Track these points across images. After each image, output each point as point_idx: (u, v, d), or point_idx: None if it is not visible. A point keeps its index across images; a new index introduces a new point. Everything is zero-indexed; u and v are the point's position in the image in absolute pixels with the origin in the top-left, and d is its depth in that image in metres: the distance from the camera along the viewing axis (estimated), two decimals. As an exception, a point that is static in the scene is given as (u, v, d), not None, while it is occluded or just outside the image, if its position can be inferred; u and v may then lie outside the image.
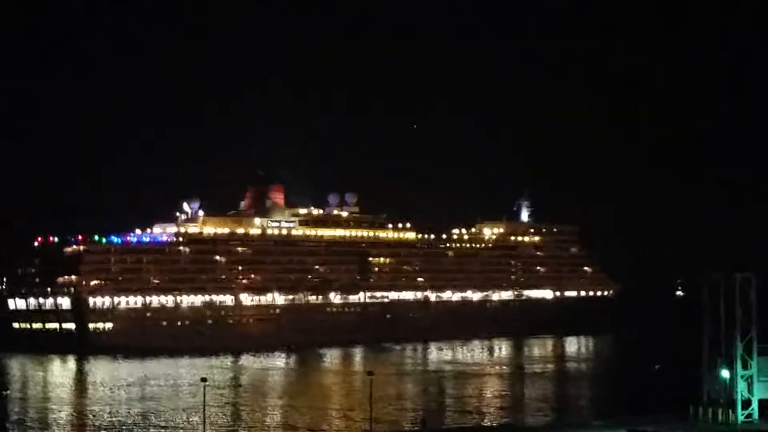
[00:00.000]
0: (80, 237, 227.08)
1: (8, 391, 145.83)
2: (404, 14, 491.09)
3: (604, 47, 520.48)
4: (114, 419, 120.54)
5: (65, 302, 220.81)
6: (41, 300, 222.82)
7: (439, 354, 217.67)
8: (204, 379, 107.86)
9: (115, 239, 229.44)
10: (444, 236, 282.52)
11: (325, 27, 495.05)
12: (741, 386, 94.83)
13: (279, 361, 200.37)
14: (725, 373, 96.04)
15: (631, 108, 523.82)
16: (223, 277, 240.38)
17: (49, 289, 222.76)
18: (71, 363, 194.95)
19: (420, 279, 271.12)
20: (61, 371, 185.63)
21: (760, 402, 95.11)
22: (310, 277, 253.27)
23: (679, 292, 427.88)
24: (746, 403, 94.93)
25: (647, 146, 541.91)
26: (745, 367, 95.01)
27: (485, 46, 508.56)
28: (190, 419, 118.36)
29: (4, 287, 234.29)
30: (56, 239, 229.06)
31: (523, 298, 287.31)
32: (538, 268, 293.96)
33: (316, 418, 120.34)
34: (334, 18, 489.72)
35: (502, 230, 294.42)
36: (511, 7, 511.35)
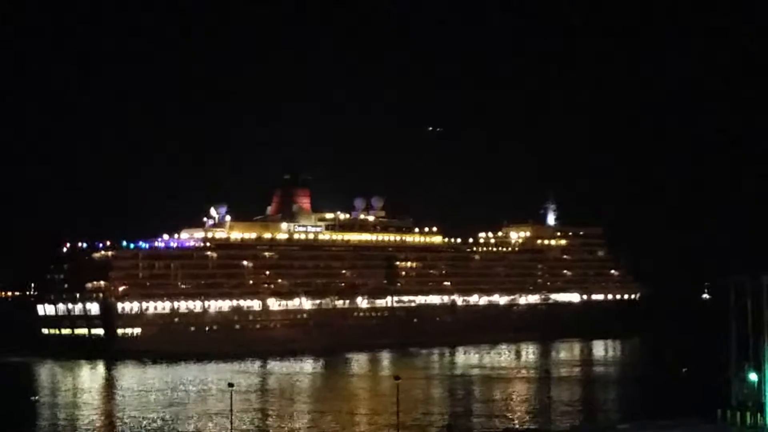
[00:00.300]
0: (108, 243, 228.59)
1: (38, 397, 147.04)
2: (433, 20, 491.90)
3: (625, 47, 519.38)
4: (142, 424, 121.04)
5: (94, 308, 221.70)
6: (70, 306, 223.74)
7: (465, 358, 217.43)
8: (231, 385, 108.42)
9: (143, 245, 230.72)
10: (470, 240, 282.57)
11: (352, 31, 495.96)
12: None
13: (306, 365, 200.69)
14: (753, 377, 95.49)
15: (659, 109, 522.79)
16: (251, 282, 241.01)
17: (77, 295, 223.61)
18: (100, 368, 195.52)
19: (446, 283, 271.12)
20: (90, 376, 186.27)
21: None
22: (337, 281, 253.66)
23: (705, 295, 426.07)
24: None
25: (674, 148, 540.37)
26: None
27: (510, 48, 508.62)
28: (217, 425, 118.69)
29: (32, 293, 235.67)
30: (84, 245, 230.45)
31: (550, 301, 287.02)
32: (565, 271, 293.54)
33: (343, 423, 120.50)
34: (361, 21, 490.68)
35: (528, 234, 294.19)
36: (531, 9, 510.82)
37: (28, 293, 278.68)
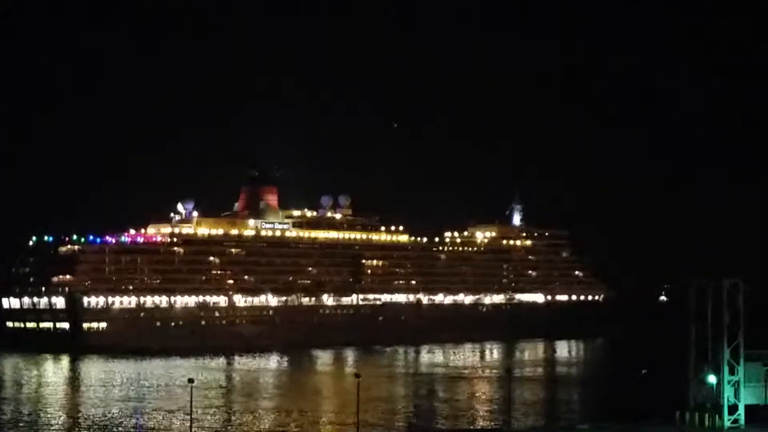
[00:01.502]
0: (75, 236, 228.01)
1: None
2: (401, 17, 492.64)
3: (593, 48, 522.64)
4: (105, 420, 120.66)
5: (60, 302, 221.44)
6: (35, 299, 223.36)
7: (430, 357, 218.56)
8: (191, 380, 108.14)
9: (109, 239, 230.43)
10: (437, 239, 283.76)
11: (321, 28, 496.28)
12: (728, 391, 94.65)
13: (271, 362, 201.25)
14: (712, 379, 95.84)
15: (622, 113, 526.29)
16: (217, 278, 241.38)
17: (43, 289, 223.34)
18: (65, 362, 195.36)
19: (412, 282, 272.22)
20: (54, 371, 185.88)
21: (747, 407, 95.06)
22: (303, 278, 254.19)
23: (662, 297, 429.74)
24: (733, 409, 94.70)
25: (638, 150, 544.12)
26: (731, 372, 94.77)
27: (480, 49, 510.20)
28: (178, 421, 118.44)
29: None
30: (51, 239, 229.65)
31: (515, 301, 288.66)
32: (530, 272, 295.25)
33: (304, 420, 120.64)
34: (330, 18, 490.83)
35: (494, 234, 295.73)
36: (504, 9, 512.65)
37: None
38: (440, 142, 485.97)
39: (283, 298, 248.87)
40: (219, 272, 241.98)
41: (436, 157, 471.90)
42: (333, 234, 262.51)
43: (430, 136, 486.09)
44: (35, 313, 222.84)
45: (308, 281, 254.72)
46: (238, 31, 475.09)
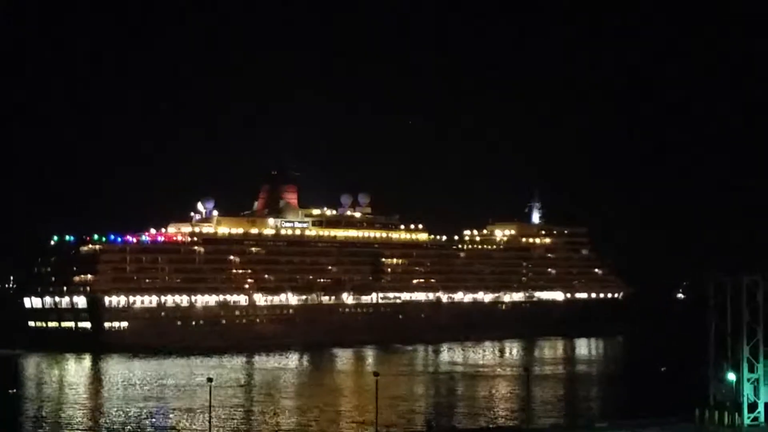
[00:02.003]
0: (96, 236, 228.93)
1: (14, 390, 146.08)
2: (427, 14, 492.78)
3: (610, 44, 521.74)
4: (126, 418, 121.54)
5: (81, 301, 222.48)
6: (57, 299, 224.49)
7: (449, 355, 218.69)
8: (210, 380, 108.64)
9: (130, 239, 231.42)
10: (456, 237, 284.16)
11: (342, 29, 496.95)
12: (747, 389, 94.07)
13: (291, 361, 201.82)
14: (731, 376, 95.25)
15: (640, 108, 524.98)
16: (237, 277, 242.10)
17: (65, 288, 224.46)
18: (87, 362, 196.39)
19: (432, 280, 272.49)
20: (76, 370, 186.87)
21: (766, 405, 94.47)
22: (322, 277, 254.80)
23: (680, 294, 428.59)
24: (752, 406, 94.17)
25: (656, 147, 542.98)
26: (751, 370, 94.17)
27: (497, 46, 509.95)
28: (198, 419, 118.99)
29: (11, 286, 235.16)
30: (72, 238, 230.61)
31: (534, 299, 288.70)
32: (549, 269, 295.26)
33: (323, 418, 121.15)
34: (351, 19, 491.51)
35: (513, 232, 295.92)
36: (519, 7, 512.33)
37: (6, 286, 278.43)
38: (460, 140, 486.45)
39: (303, 297, 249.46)
40: (239, 271, 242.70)
41: (455, 155, 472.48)
42: (352, 232, 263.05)
43: (451, 135, 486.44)
44: (57, 313, 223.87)
45: (328, 280, 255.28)
46: (259, 29, 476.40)
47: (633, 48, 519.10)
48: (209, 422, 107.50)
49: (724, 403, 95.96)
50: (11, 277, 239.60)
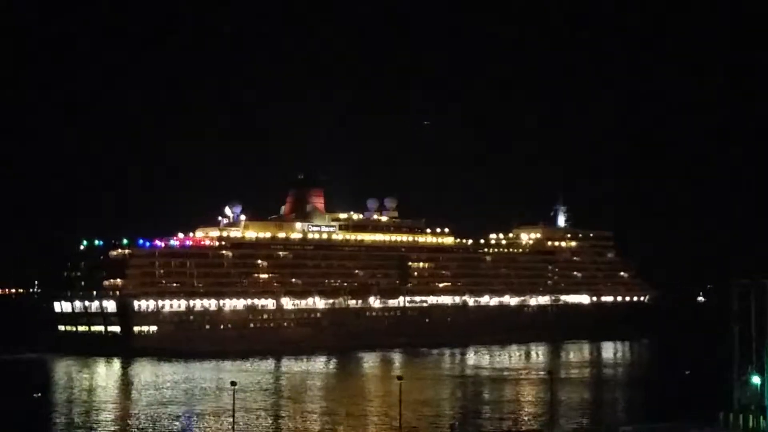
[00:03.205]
0: (125, 241, 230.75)
1: (39, 394, 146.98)
2: (448, 15, 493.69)
3: (630, 47, 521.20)
4: (154, 422, 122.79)
5: (111, 305, 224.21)
6: (87, 303, 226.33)
7: (476, 358, 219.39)
8: (234, 383, 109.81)
9: (159, 243, 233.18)
10: (482, 241, 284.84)
11: (373, 32, 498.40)
12: None
13: (319, 364, 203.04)
14: (756, 380, 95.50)
15: (665, 112, 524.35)
16: (265, 281, 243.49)
17: (94, 293, 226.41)
18: (116, 365, 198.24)
19: (458, 283, 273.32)
20: (106, 373, 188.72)
21: None
22: (350, 281, 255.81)
23: (701, 298, 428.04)
24: None
25: (683, 150, 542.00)
26: None
27: (529, 52, 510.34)
28: (222, 423, 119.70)
29: (36, 290, 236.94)
30: (101, 243, 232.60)
31: (560, 303, 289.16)
32: (575, 273, 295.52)
33: (348, 422, 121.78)
34: (381, 23, 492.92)
35: (539, 235, 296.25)
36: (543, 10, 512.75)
37: (31, 290, 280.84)
38: (484, 143, 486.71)
39: (330, 301, 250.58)
40: (267, 275, 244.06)
41: (482, 159, 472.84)
42: (379, 236, 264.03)
43: (477, 138, 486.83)
44: (87, 317, 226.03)
45: (355, 284, 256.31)
46: (287, 35, 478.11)
47: (646, 48, 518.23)
48: (233, 426, 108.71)
49: (749, 407, 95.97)
50: (35, 282, 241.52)
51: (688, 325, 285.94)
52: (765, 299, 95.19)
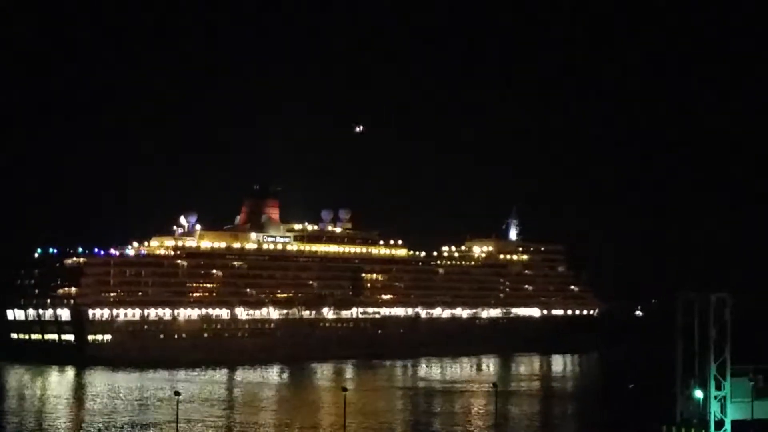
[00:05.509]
0: (80, 249, 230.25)
1: None
2: (400, 27, 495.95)
3: (591, 61, 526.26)
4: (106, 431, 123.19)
5: (65, 313, 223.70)
6: (40, 311, 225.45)
7: (427, 370, 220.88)
8: (177, 393, 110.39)
9: (114, 252, 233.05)
10: (434, 253, 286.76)
11: (322, 40, 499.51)
12: (714, 407, 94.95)
13: (272, 375, 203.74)
14: (699, 394, 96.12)
15: (618, 128, 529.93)
16: (219, 290, 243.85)
17: (48, 301, 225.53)
18: (69, 374, 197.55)
19: (411, 295, 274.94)
20: (59, 382, 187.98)
21: (733, 423, 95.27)
22: (304, 292, 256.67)
23: (638, 312, 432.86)
24: (719, 424, 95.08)
25: (630, 165, 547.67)
26: (718, 387, 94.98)
27: (478, 61, 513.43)
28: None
29: None
30: (56, 251, 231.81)
31: (511, 315, 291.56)
32: (526, 286, 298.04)
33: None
34: (332, 32, 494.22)
35: (491, 248, 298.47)
36: (505, 18, 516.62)
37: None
38: (437, 156, 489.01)
39: (284, 312, 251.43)
40: (221, 285, 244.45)
41: (434, 172, 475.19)
42: (333, 248, 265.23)
43: (427, 151, 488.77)
44: (40, 325, 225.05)
45: (309, 295, 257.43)
46: (242, 45, 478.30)
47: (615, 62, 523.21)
48: None
49: (691, 421, 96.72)
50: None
51: (633, 339, 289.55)
52: (709, 313, 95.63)
